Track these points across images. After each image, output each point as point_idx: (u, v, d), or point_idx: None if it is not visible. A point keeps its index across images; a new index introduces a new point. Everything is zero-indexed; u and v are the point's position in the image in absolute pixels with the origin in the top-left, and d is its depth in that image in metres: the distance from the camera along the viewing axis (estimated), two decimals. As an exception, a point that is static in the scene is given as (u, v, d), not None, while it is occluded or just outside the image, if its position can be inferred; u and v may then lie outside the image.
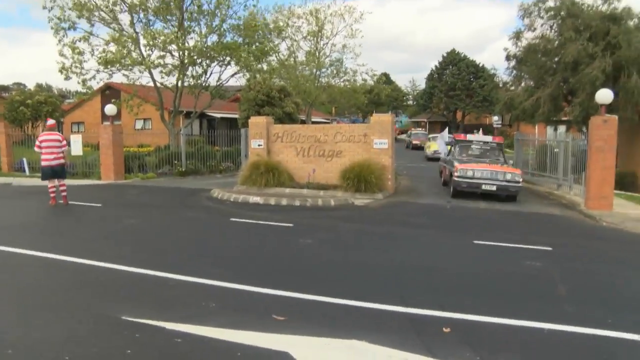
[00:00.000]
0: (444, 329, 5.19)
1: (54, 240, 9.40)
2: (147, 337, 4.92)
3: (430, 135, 42.98)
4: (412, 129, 62.16)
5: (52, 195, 13.33)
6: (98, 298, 6.13)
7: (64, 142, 13.49)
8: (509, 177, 14.69)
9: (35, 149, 13.31)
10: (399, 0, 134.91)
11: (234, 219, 11.68)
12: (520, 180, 14.85)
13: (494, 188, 14.71)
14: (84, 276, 7.09)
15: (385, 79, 70.00)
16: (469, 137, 18.15)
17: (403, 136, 58.01)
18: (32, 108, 37.40)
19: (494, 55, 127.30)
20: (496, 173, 14.85)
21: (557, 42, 22.93)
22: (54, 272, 7.28)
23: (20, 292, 6.38)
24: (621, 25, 21.36)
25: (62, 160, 13.32)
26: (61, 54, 22.84)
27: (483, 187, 14.80)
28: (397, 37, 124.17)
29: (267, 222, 11.23)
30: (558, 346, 4.96)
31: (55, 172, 13.19)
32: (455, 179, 15.06)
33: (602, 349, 4.94)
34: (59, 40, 22.80)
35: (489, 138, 18.19)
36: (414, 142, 46.46)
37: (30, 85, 73.51)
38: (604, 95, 13.68)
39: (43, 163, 13.04)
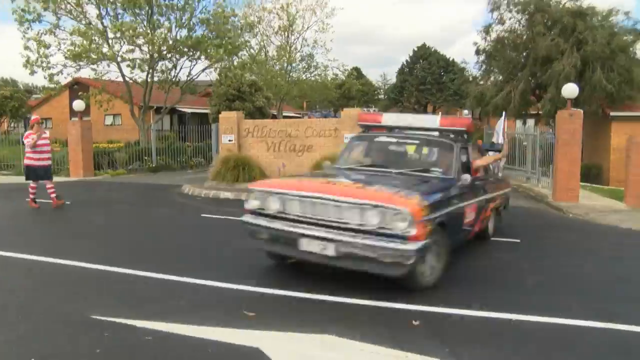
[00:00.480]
0: (413, 321, 5.25)
1: (19, 239, 9.23)
2: (116, 335, 4.87)
3: None
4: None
5: (32, 196, 12.46)
6: (66, 297, 6.05)
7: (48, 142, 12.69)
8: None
9: (27, 148, 12.30)
10: None
11: (204, 215, 11.62)
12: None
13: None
14: (51, 275, 6.98)
15: (357, 73, 70.20)
16: (386, 117, 8.85)
17: None
18: (-4, 103, 36.62)
19: (463, 50, 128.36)
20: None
21: (525, 37, 23.29)
22: (19, 271, 7.15)
23: (-15, 292, 6.26)
24: (587, 21, 21.83)
25: (50, 162, 12.63)
26: (26, 47, 22.31)
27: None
28: (368, 31, 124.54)
29: (237, 218, 11.05)
30: (525, 335, 5.06)
31: (44, 173, 12.38)
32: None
33: (567, 336, 5.07)
34: (24, 33, 22.26)
35: (431, 120, 8.54)
36: None
37: (-5, 80, 71.73)
38: (570, 90, 13.96)
39: (28, 162, 12.22)
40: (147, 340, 4.74)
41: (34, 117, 13.08)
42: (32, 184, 12.45)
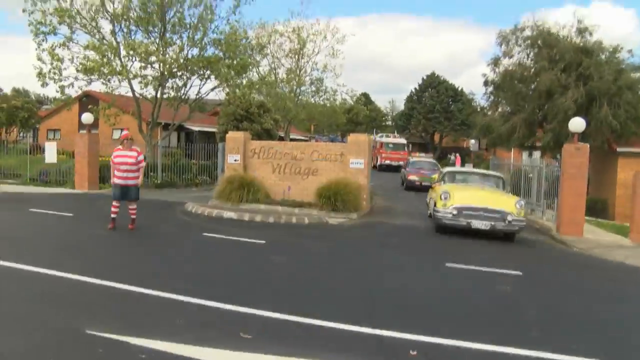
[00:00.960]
0: (410, 351, 5.19)
1: (18, 250, 9.20)
2: (110, 352, 4.83)
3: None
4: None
5: (113, 216, 11.51)
6: (62, 310, 6.01)
7: (142, 159, 11.79)
8: None
9: (112, 164, 11.62)
10: (379, 21, 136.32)
11: (206, 234, 11.59)
12: None
13: None
14: (48, 288, 6.96)
15: (365, 99, 70.59)
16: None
17: None
18: (7, 113, 36.89)
19: (470, 80, 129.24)
20: None
21: (532, 70, 23.46)
22: (17, 282, 7.13)
23: (-18, 302, 6.23)
24: (593, 58, 21.98)
25: (134, 181, 11.58)
26: (39, 59, 22.54)
27: None
28: (376, 58, 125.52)
29: (239, 238, 11.16)
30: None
31: (127, 193, 11.54)
32: None
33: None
34: (38, 45, 22.51)
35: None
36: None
37: (7, 90, 72.43)
38: (577, 124, 13.96)
39: (115, 181, 11.45)
40: (141, 359, 4.70)
41: (124, 132, 12.20)
42: (114, 202, 11.56)
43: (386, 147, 43.62)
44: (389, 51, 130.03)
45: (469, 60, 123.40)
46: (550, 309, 7.20)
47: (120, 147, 11.63)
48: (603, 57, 22.76)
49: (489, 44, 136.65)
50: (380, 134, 53.34)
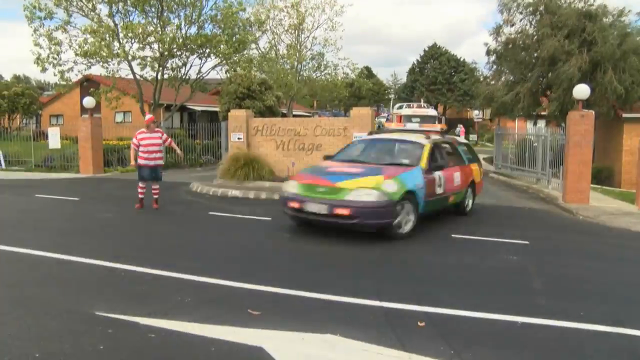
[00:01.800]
0: (418, 322, 5.21)
1: (26, 235, 9.26)
2: (120, 332, 4.86)
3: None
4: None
5: (140, 197, 12.08)
6: (70, 293, 6.06)
7: (165, 138, 12.24)
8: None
9: (132, 146, 11.99)
10: None
11: (212, 213, 11.62)
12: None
13: None
14: (56, 271, 7.01)
15: (367, 72, 70.08)
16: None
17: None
18: (8, 100, 36.84)
19: (470, 50, 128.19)
20: None
21: (535, 38, 23.15)
22: (25, 267, 7.18)
23: (-9, 287, 6.28)
24: (597, 23, 21.64)
25: (160, 162, 12.11)
26: (36, 44, 22.37)
27: None
28: (374, 31, 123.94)
29: (245, 216, 11.19)
30: (531, 339, 5.00)
31: (152, 174, 11.95)
32: None
33: (572, 340, 5.00)
34: (35, 30, 22.34)
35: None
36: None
37: (8, 77, 72.28)
38: (581, 91, 13.82)
39: (140, 162, 11.76)
40: (150, 338, 4.73)
41: (148, 116, 12.48)
42: (140, 183, 12.08)
43: (406, 120, 35.40)
44: (386, 22, 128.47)
45: (468, 30, 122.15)
46: (558, 277, 7.20)
47: (143, 129, 11.96)
48: (607, 20, 22.41)
49: (488, 12, 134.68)
50: (399, 105, 48.26)
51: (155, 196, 12.14)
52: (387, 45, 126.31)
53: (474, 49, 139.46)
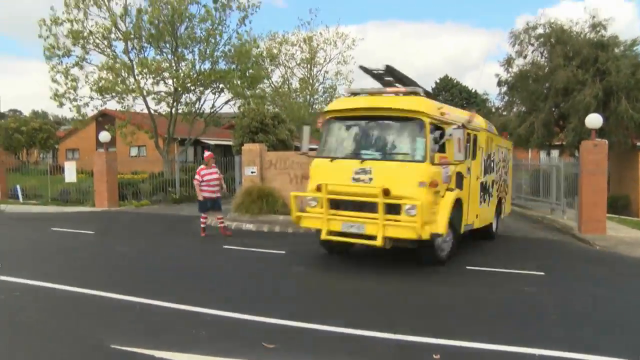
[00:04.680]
0: (433, 355, 5.16)
1: (43, 268, 9.33)
2: (135, 366, 4.87)
3: None
4: None
5: (202, 226, 13.24)
6: (86, 326, 6.08)
7: (220, 175, 13.41)
8: None
9: (195, 182, 13.00)
10: (378, 27, 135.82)
11: (226, 246, 11.64)
12: None
13: None
14: (73, 304, 7.04)
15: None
16: None
17: None
18: (26, 135, 37.53)
19: (474, 82, 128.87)
20: None
21: (547, 69, 23.26)
22: (42, 300, 7.22)
23: (7, 319, 6.32)
24: (609, 52, 21.72)
25: (220, 193, 13.27)
26: (54, 81, 22.93)
27: None
28: (378, 64, 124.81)
29: (259, 250, 11.20)
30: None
31: (214, 204, 13.08)
32: None
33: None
34: (52, 67, 22.92)
35: None
36: None
37: (26, 112, 73.63)
38: (594, 120, 13.81)
39: (205, 195, 12.86)
40: (166, 371, 4.73)
41: (207, 153, 13.55)
42: (202, 214, 13.18)
43: None
44: (392, 57, 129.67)
45: (470, 63, 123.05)
46: (575, 309, 7.11)
47: (203, 166, 13.09)
48: (618, 51, 22.50)
49: (491, 45, 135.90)
50: None
51: (222, 224, 13.36)
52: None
53: (478, 82, 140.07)
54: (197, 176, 12.96)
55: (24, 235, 13.69)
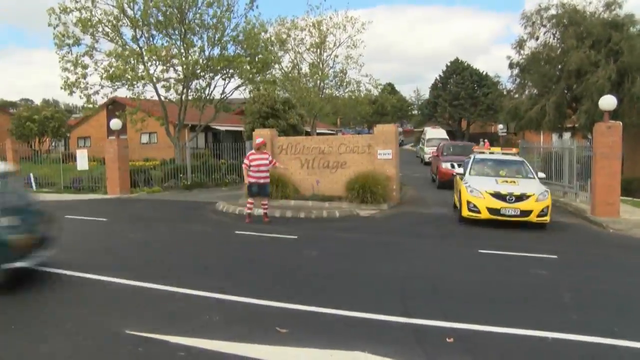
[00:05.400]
0: (447, 339, 5.17)
1: (58, 256, 9.36)
2: (150, 350, 4.92)
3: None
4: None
5: (248, 211, 13.28)
6: (101, 312, 6.14)
7: (271, 159, 13.54)
8: None
9: (244, 166, 13.25)
10: (387, 11, 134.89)
11: (238, 232, 11.69)
12: None
13: None
14: (87, 290, 7.11)
15: (391, 89, 70.14)
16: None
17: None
18: (38, 124, 37.70)
19: (484, 65, 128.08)
20: None
21: (559, 50, 22.98)
22: (57, 287, 7.29)
23: (24, 307, 6.39)
24: (623, 32, 21.40)
25: (268, 180, 13.39)
26: (65, 69, 23.00)
27: None
28: (389, 49, 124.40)
29: (271, 235, 11.23)
30: (562, 355, 4.92)
31: (261, 190, 13.17)
32: None
33: (607, 357, 4.90)
34: (62, 57, 22.99)
35: None
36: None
37: (37, 101, 74.07)
38: (608, 102, 13.65)
39: (251, 180, 13.01)
40: (180, 356, 4.77)
41: (259, 140, 13.68)
42: (249, 199, 13.31)
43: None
44: (401, 40, 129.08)
45: (479, 46, 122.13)
46: (589, 292, 7.09)
47: (253, 151, 13.35)
48: (634, 30, 22.16)
49: (500, 28, 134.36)
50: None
51: (265, 210, 13.42)
52: (402, 62, 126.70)
53: (488, 65, 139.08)
54: (245, 160, 13.19)
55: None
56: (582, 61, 21.01)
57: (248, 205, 13.29)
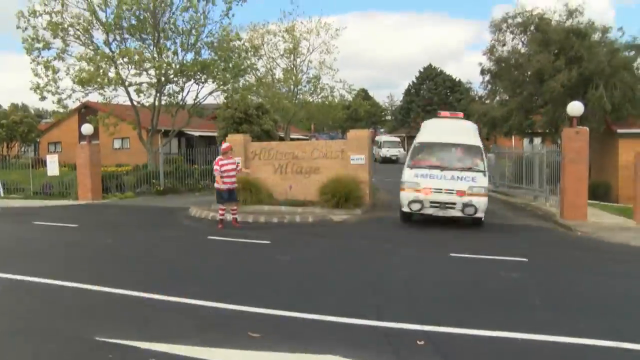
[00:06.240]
0: (417, 341, 5.22)
1: (24, 262, 9.25)
2: (120, 357, 4.87)
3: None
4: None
5: (220, 218, 13.22)
6: (71, 319, 6.06)
7: (237, 164, 13.45)
8: None
9: (215, 172, 13.11)
10: (358, 18, 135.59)
11: (211, 237, 11.63)
12: None
13: None
14: (56, 297, 7.01)
15: (364, 94, 70.45)
16: None
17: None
18: (7, 128, 37.03)
19: (455, 71, 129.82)
20: None
21: (525, 55, 23.49)
22: (24, 294, 7.18)
23: (-9, 315, 6.28)
24: (585, 39, 21.94)
25: (236, 184, 13.38)
26: (35, 74, 22.61)
27: None
28: (358, 55, 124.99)
29: (244, 240, 11.20)
30: (532, 355, 5.02)
31: (231, 195, 13.11)
32: None
33: (575, 356, 5.01)
34: (33, 60, 22.61)
35: None
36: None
37: (5, 105, 72.55)
38: (575, 108, 13.95)
39: (221, 187, 12.86)
40: (152, 362, 4.74)
41: (226, 144, 13.70)
42: (220, 205, 13.20)
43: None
44: (372, 47, 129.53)
45: (450, 52, 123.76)
46: (557, 293, 7.23)
47: (221, 157, 13.19)
48: (596, 37, 22.74)
49: (470, 34, 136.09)
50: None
51: (235, 215, 13.39)
52: (372, 69, 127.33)
53: (459, 70, 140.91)
54: (216, 166, 13.02)
55: (5, 230, 13.56)
56: (543, 66, 21.48)
57: (220, 212, 13.22)
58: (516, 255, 9.47)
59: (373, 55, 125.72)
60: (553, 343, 5.26)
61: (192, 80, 25.20)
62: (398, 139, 54.39)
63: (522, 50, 24.05)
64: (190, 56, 24.55)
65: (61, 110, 24.38)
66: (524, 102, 23.32)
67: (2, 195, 22.07)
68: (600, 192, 21.06)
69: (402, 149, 48.09)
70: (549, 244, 11.29)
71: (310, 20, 36.90)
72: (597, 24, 22.94)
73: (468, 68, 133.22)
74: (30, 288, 7.45)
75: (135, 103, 24.65)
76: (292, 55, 37.39)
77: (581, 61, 21.43)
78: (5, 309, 6.50)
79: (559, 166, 14.90)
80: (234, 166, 13.16)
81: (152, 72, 23.59)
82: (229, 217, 13.35)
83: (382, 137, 53.12)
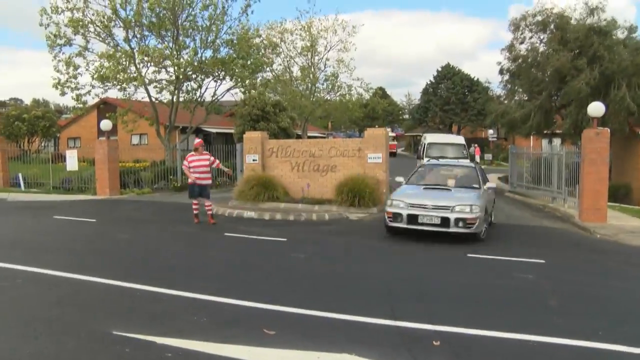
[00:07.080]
0: (433, 342, 5.20)
1: (45, 256, 9.37)
2: (137, 351, 4.91)
3: None
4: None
5: (195, 212, 13.39)
6: (89, 313, 6.12)
7: (213, 160, 13.49)
8: None
9: (184, 168, 13.37)
10: (374, 17, 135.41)
11: (228, 234, 11.68)
12: None
13: None
14: (74, 291, 7.09)
15: (382, 93, 70.35)
16: None
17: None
18: (28, 123, 37.51)
19: (473, 69, 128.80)
20: None
21: (544, 55, 23.20)
22: (45, 288, 7.26)
23: (11, 307, 6.36)
24: (607, 38, 21.59)
25: (209, 181, 13.45)
26: (57, 70, 22.92)
27: None
28: (376, 54, 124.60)
29: (260, 237, 11.24)
30: (547, 358, 4.96)
31: (202, 191, 13.14)
32: None
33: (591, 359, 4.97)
34: (54, 56, 22.91)
35: None
36: None
37: (27, 101, 73.55)
38: (596, 108, 13.77)
39: (192, 182, 13.01)
40: (167, 357, 4.77)
41: (197, 140, 13.71)
42: (193, 200, 13.35)
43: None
44: (388, 45, 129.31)
45: (465, 51, 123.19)
46: (575, 296, 7.15)
47: (193, 152, 13.33)
48: (621, 35, 22.36)
49: (485, 33, 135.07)
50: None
51: (210, 212, 13.35)
52: (388, 67, 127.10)
53: (475, 69, 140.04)
54: (185, 162, 13.26)
55: (26, 224, 13.73)
56: (563, 65, 21.15)
57: (194, 207, 13.40)
58: (533, 256, 9.39)
59: (388, 54, 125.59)
60: (568, 346, 5.21)
61: (211, 78, 25.33)
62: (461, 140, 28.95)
63: (541, 49, 23.77)
64: (208, 53, 24.71)
65: (80, 106, 24.67)
66: (543, 103, 23.04)
67: (23, 189, 22.36)
68: (620, 194, 20.81)
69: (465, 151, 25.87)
70: (567, 246, 11.17)
71: (327, 18, 36.96)
72: (619, 22, 22.59)
73: (484, 67, 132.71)
74: (48, 281, 7.55)
75: (153, 99, 24.84)
76: (309, 53, 37.42)
77: (602, 60, 21.10)
78: (25, 302, 6.58)
79: (578, 167, 14.73)
80: (206, 162, 13.15)
81: (171, 69, 23.77)
82: (248, 214, 13.42)
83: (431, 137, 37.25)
